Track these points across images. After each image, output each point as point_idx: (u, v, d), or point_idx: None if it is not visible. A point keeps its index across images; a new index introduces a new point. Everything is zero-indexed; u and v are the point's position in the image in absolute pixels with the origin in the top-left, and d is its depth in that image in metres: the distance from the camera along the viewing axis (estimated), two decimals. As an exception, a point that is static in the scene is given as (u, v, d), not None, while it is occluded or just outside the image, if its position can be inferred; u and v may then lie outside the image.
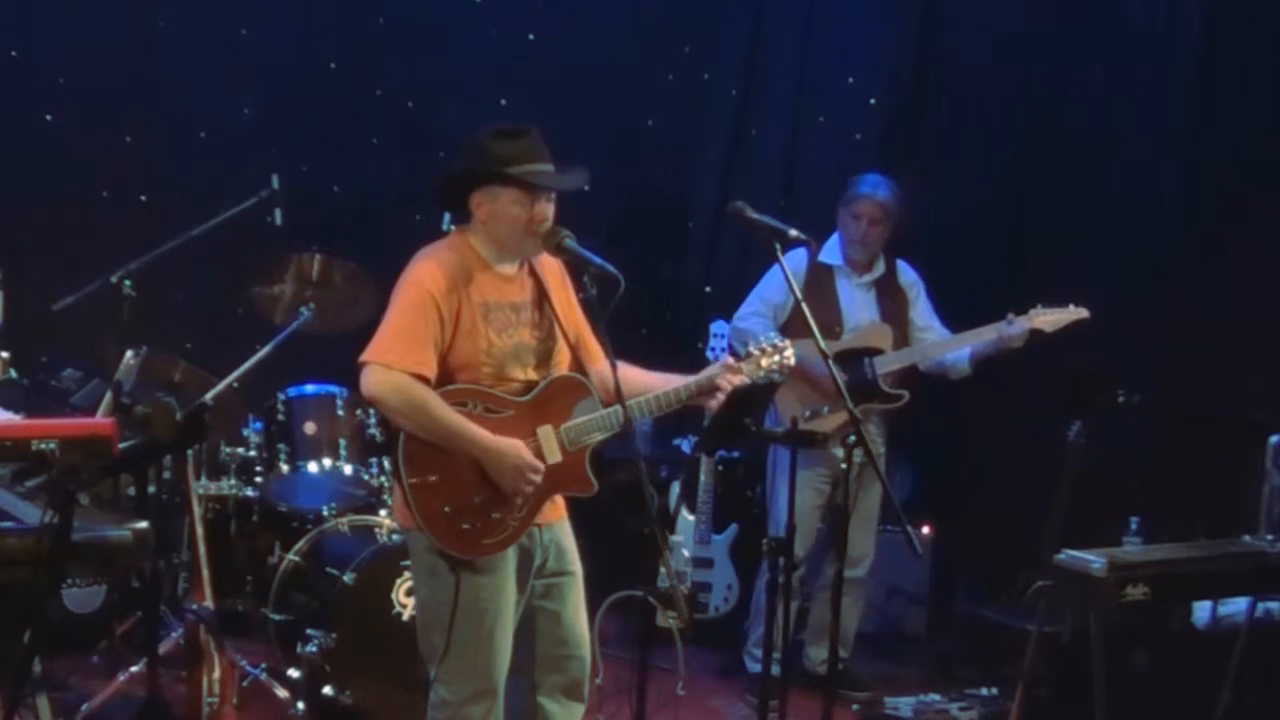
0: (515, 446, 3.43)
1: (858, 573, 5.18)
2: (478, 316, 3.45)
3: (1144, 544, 4.66)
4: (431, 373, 3.41)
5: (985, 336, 5.01)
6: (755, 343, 3.68)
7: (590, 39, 6.29)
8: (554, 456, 3.50)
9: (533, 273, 3.60)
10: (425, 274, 3.43)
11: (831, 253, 5.24)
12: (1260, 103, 5.61)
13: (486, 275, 3.50)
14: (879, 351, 5.10)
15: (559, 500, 3.63)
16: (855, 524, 4.66)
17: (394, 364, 3.37)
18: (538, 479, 3.45)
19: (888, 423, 5.25)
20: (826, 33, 6.38)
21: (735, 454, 5.95)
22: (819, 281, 5.16)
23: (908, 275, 5.32)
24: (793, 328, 4.99)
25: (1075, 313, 4.96)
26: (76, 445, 3.10)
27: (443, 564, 3.45)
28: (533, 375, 3.54)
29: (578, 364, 3.60)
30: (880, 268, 5.27)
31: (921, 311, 5.28)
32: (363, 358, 3.41)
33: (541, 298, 3.58)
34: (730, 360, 3.63)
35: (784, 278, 5.00)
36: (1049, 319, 4.95)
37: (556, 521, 3.63)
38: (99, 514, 3.38)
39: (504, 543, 3.47)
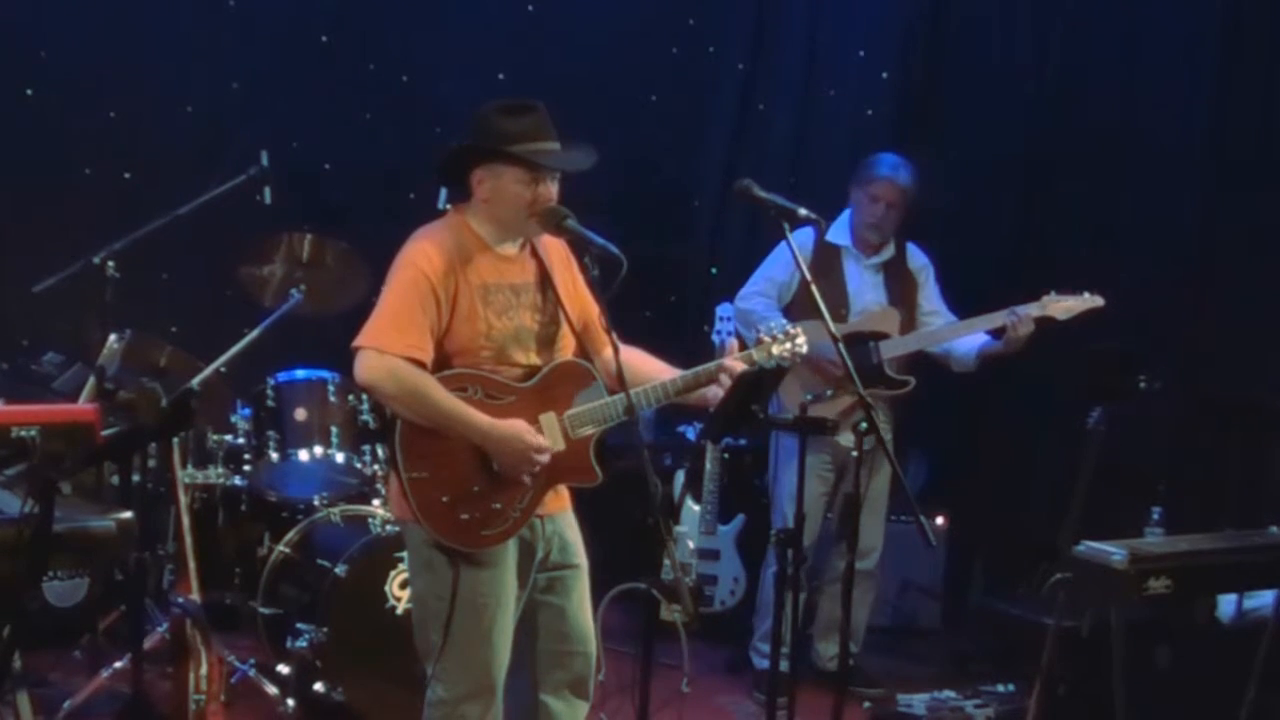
0: (518, 429, 3.36)
1: (867, 564, 5.12)
2: (476, 299, 3.38)
3: (1166, 535, 4.63)
4: (427, 357, 3.33)
5: (992, 322, 4.91)
6: (766, 329, 3.60)
7: (591, 11, 6.23)
8: (557, 445, 3.43)
9: (535, 254, 3.53)
10: (421, 255, 3.36)
11: (840, 232, 5.13)
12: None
13: (485, 256, 3.43)
14: (885, 336, 5.03)
15: (563, 490, 3.56)
16: (864, 514, 4.62)
17: (388, 348, 3.29)
18: (544, 459, 3.36)
19: (893, 409, 5.14)
20: (837, 4, 6.32)
21: (742, 442, 5.91)
22: (826, 262, 5.05)
23: (918, 259, 5.23)
24: (797, 308, 4.93)
25: (1090, 300, 4.87)
26: (58, 432, 3.08)
27: (441, 557, 3.39)
28: (534, 359, 3.47)
29: (582, 349, 3.53)
30: (890, 250, 5.18)
31: (929, 295, 5.20)
32: (356, 343, 3.34)
33: (544, 280, 3.51)
34: (735, 347, 3.55)
35: (791, 257, 4.92)
36: (1062, 306, 4.86)
37: (560, 513, 3.57)
38: (81, 504, 3.40)
39: (504, 534, 3.41)
